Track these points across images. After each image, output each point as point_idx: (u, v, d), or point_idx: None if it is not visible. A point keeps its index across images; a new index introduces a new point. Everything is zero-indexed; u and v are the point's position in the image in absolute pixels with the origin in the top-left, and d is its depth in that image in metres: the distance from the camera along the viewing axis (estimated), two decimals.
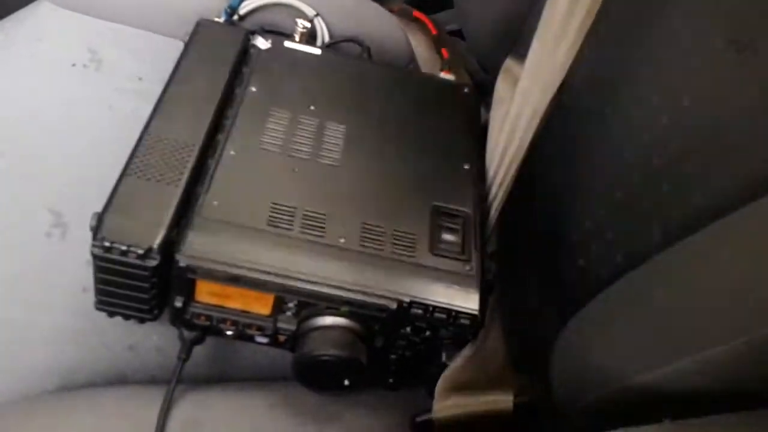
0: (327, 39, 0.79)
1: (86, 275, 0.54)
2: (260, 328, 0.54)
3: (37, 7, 0.78)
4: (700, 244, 0.41)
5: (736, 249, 0.38)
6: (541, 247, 0.68)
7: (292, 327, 0.53)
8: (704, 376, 0.36)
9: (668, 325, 0.39)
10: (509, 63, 0.69)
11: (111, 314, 0.55)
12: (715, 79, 0.48)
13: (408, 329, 0.53)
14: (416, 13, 0.88)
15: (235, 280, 0.51)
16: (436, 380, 0.52)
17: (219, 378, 0.58)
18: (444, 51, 0.82)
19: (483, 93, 0.75)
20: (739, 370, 0.35)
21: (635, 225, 0.54)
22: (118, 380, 0.56)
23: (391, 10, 0.88)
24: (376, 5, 0.88)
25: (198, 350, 0.56)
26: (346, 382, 0.52)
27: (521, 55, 0.70)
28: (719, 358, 0.36)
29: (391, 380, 0.56)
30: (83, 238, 0.51)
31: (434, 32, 0.85)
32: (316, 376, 0.52)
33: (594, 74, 0.63)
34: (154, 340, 0.58)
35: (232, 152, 0.58)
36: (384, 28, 0.85)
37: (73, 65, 0.74)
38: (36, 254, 0.61)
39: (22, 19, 0.77)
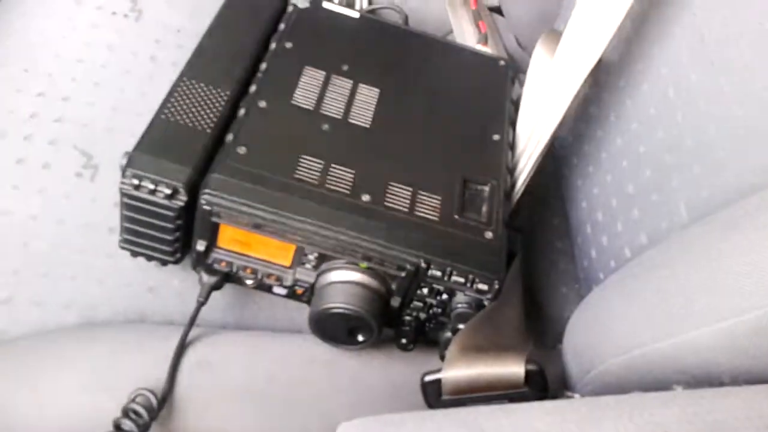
0: (365, 5, 0.79)
1: (113, 217, 0.55)
2: (279, 279, 0.54)
3: None
4: (726, 219, 0.40)
5: (762, 224, 0.37)
6: (567, 222, 0.67)
7: (311, 279, 0.53)
8: (720, 348, 0.36)
9: (688, 296, 0.39)
10: (546, 37, 0.68)
11: (134, 254, 0.55)
12: (754, 57, 0.47)
13: (425, 290, 0.53)
14: None
15: (257, 226, 0.51)
16: (449, 343, 0.52)
17: (235, 326, 0.58)
18: (482, 24, 0.82)
19: (518, 70, 0.75)
20: (756, 344, 0.35)
21: (662, 203, 0.53)
22: (138, 320, 0.57)
23: None
24: None
25: (216, 298, 0.57)
26: (360, 338, 0.53)
27: (559, 31, 0.69)
28: (737, 330, 0.35)
29: (404, 340, 0.57)
30: (112, 180, 0.52)
31: (474, 6, 0.84)
32: (331, 330, 0.53)
33: (631, 50, 0.62)
34: (175, 284, 0.58)
35: (262, 104, 0.58)
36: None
37: (114, 13, 0.75)
38: (65, 193, 0.62)
39: None
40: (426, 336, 0.57)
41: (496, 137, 0.63)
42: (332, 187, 0.54)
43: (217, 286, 0.55)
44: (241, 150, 0.54)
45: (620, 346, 0.41)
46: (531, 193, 0.63)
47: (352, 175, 0.55)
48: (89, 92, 0.68)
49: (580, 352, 0.46)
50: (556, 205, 0.70)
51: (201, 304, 0.53)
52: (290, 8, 0.69)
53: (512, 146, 0.64)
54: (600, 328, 0.45)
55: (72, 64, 0.70)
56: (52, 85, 0.68)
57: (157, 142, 0.53)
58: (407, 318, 0.55)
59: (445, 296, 0.53)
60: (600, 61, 0.61)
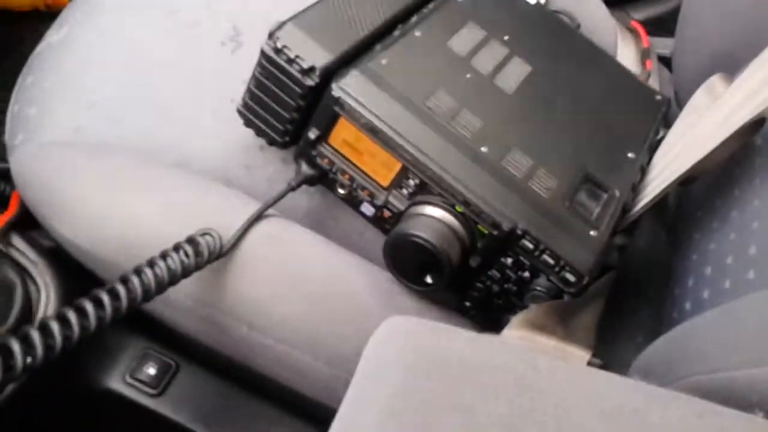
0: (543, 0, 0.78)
1: (238, 91, 0.56)
2: (372, 195, 0.53)
3: None
4: None
5: None
6: (662, 270, 0.63)
7: (402, 206, 0.52)
8: None
9: None
10: (715, 79, 0.65)
11: (247, 123, 0.56)
12: None
13: (509, 260, 0.51)
14: (634, 23, 0.85)
15: (374, 131, 0.50)
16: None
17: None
18: (648, 63, 0.79)
19: (670, 114, 0.72)
20: None
21: None
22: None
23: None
24: (600, 1, 0.86)
25: (302, 199, 0.57)
26: (428, 280, 0.51)
27: (731, 77, 0.66)
28: None
29: (467, 303, 0.54)
30: (250, 58, 0.53)
31: (646, 45, 0.82)
32: (403, 261, 0.51)
33: None
34: (269, 171, 0.58)
35: (418, 33, 0.58)
36: (599, 21, 0.83)
37: None
38: (205, 55, 0.63)
39: None
40: (489, 312, 0.54)
41: (631, 155, 0.60)
42: (457, 127, 0.53)
43: (311, 180, 0.54)
44: (384, 61, 0.54)
45: (711, 364, 0.37)
46: (644, 221, 0.60)
47: (479, 125, 0.54)
48: None
49: (661, 366, 0.42)
50: (658, 250, 0.66)
51: (291, 188, 0.53)
52: None
53: (644, 171, 0.61)
54: (692, 346, 0.41)
55: None
56: None
57: (312, 22, 0.53)
58: (479, 284, 0.53)
59: (526, 274, 0.51)
60: (762, 124, 0.57)
